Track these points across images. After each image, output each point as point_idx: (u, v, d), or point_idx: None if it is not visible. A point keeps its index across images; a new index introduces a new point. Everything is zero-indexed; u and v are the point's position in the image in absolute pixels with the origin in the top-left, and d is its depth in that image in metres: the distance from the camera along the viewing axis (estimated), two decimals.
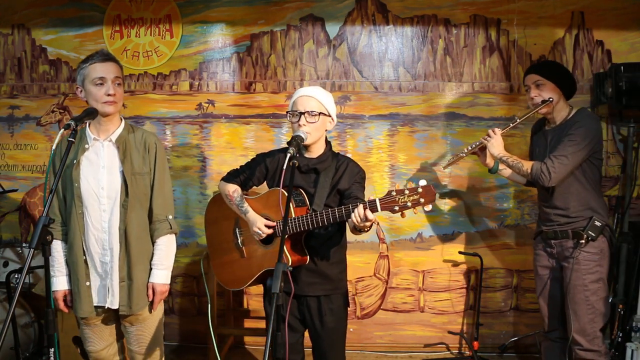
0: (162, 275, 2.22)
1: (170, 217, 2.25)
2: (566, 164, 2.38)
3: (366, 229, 1.94)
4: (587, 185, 2.47)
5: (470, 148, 2.66)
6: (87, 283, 2.14)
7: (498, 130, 2.55)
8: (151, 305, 2.20)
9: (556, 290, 2.56)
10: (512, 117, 3.37)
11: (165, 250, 2.23)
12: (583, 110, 2.52)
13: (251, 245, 2.27)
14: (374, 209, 1.87)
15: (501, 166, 2.70)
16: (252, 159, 2.34)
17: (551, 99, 2.46)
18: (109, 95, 2.08)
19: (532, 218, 3.41)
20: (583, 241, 2.41)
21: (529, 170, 2.44)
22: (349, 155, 2.84)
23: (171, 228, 2.24)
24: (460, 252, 3.42)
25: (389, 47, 3.42)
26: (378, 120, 3.45)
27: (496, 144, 2.52)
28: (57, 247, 2.17)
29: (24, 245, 3.50)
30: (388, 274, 3.52)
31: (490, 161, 2.67)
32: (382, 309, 3.54)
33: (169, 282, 2.25)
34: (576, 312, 2.43)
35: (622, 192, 3.18)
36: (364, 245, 3.50)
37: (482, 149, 2.63)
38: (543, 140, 2.59)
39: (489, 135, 2.55)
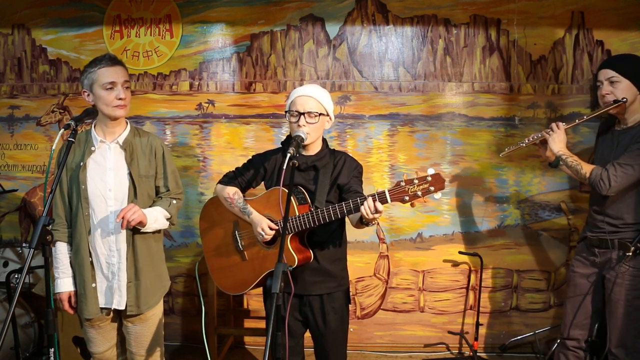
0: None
1: (175, 202, 2.26)
2: (630, 174, 2.21)
3: (374, 222, 1.94)
4: None
5: (531, 139, 2.47)
6: (93, 284, 2.15)
7: (562, 125, 2.37)
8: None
9: (591, 300, 2.41)
10: (512, 117, 3.41)
11: (152, 211, 2.16)
12: None
13: (253, 247, 2.26)
14: (383, 201, 1.87)
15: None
16: (249, 160, 2.34)
17: (625, 99, 2.25)
18: (119, 99, 2.09)
19: (532, 218, 3.42)
20: (630, 254, 2.24)
21: (587, 175, 2.27)
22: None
23: (169, 206, 2.22)
24: (460, 252, 3.42)
25: (389, 47, 3.42)
26: (378, 120, 3.45)
27: (558, 140, 2.34)
28: (62, 249, 2.18)
29: (24, 245, 3.51)
30: (388, 274, 3.52)
31: (550, 154, 2.45)
32: (382, 309, 3.54)
33: (146, 224, 2.11)
34: (617, 326, 2.31)
35: None
36: (364, 245, 3.50)
37: (543, 141, 2.44)
38: (610, 141, 2.41)
39: (551, 129, 2.38)
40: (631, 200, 2.30)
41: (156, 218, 2.17)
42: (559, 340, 2.59)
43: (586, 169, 2.28)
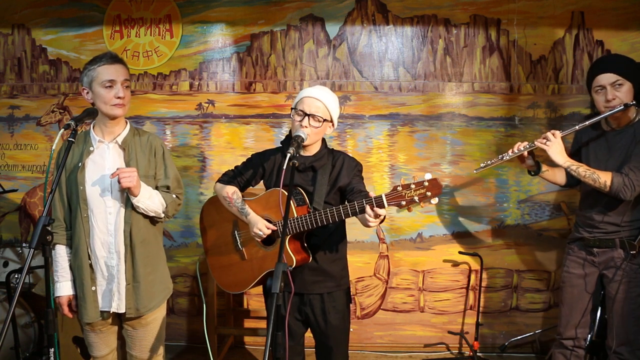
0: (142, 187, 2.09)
1: (174, 196, 2.23)
2: None
3: (379, 223, 1.93)
4: None
5: (517, 150, 2.34)
6: (93, 288, 2.12)
7: (558, 133, 2.24)
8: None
9: (590, 299, 2.43)
10: (512, 117, 3.41)
11: (150, 189, 2.13)
12: None
13: (252, 247, 2.27)
14: (380, 206, 1.86)
15: (543, 167, 2.46)
16: (248, 160, 2.34)
17: (634, 102, 2.20)
18: (118, 97, 2.07)
19: (532, 218, 3.42)
20: (634, 252, 2.26)
21: (607, 183, 2.20)
22: None
23: (166, 195, 2.19)
24: (460, 252, 3.42)
25: (389, 47, 3.42)
26: (378, 120, 3.45)
27: (560, 150, 2.22)
28: (61, 252, 2.15)
29: (24, 245, 3.50)
30: (388, 274, 3.52)
31: (532, 163, 2.42)
32: (382, 309, 3.54)
33: (137, 195, 2.06)
34: (622, 324, 2.32)
35: None
36: (364, 245, 3.50)
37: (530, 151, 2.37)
38: (604, 143, 2.35)
39: (547, 139, 2.24)
40: (632, 199, 2.29)
41: (151, 195, 2.12)
42: (556, 342, 2.60)
43: (605, 177, 2.22)
